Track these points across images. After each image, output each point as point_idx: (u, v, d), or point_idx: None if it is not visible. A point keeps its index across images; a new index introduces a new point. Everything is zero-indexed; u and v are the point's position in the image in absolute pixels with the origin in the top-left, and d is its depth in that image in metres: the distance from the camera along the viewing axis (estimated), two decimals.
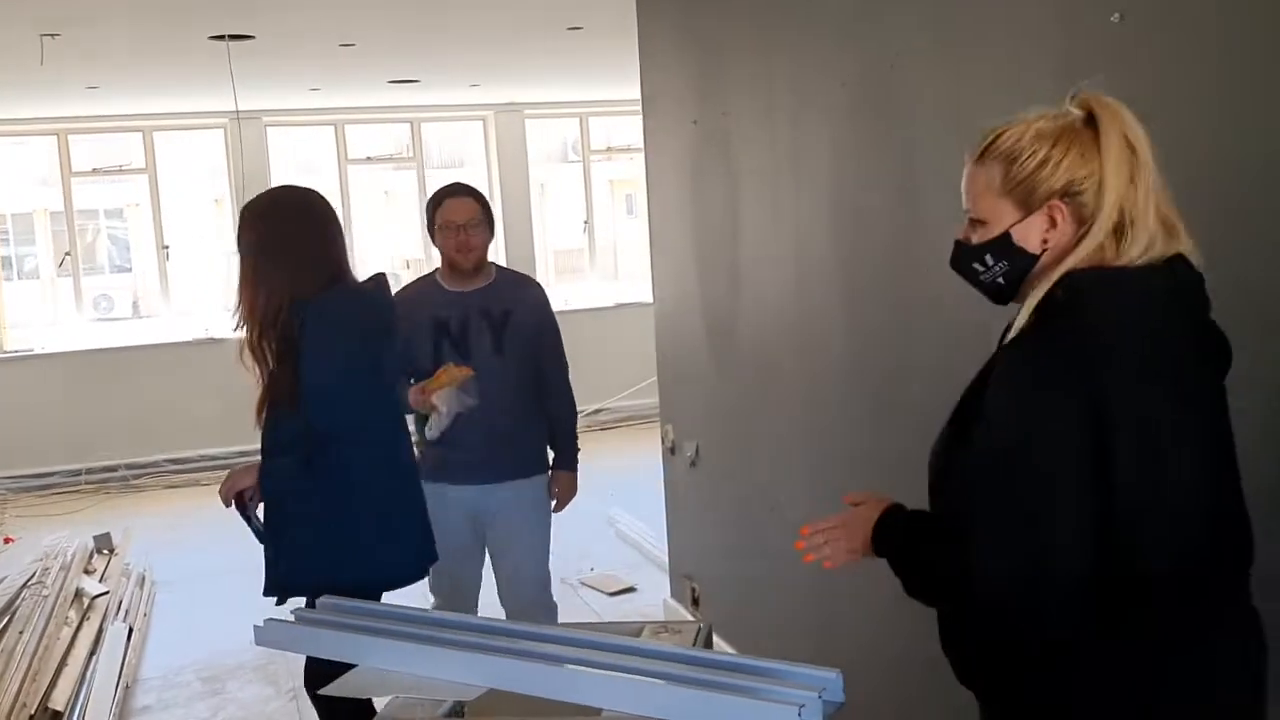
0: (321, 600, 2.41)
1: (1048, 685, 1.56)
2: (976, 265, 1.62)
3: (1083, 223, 1.53)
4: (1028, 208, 1.56)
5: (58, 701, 3.81)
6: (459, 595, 3.52)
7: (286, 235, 2.72)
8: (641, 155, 4.72)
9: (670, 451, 4.49)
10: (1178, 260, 1.55)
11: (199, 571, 5.85)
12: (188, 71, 5.92)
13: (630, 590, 5.14)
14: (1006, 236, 1.57)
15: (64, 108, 7.39)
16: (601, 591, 5.23)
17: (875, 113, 2.95)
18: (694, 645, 2.13)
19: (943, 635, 1.72)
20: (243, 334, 2.77)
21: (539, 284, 3.69)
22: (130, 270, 8.42)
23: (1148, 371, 1.49)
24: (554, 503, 3.58)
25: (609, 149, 9.67)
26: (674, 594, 4.68)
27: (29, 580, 5.00)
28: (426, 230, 3.55)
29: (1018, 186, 1.56)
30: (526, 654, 2.02)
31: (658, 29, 4.34)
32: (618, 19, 4.63)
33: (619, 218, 10.91)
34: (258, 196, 2.87)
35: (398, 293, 3.19)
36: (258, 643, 2.29)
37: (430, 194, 3.56)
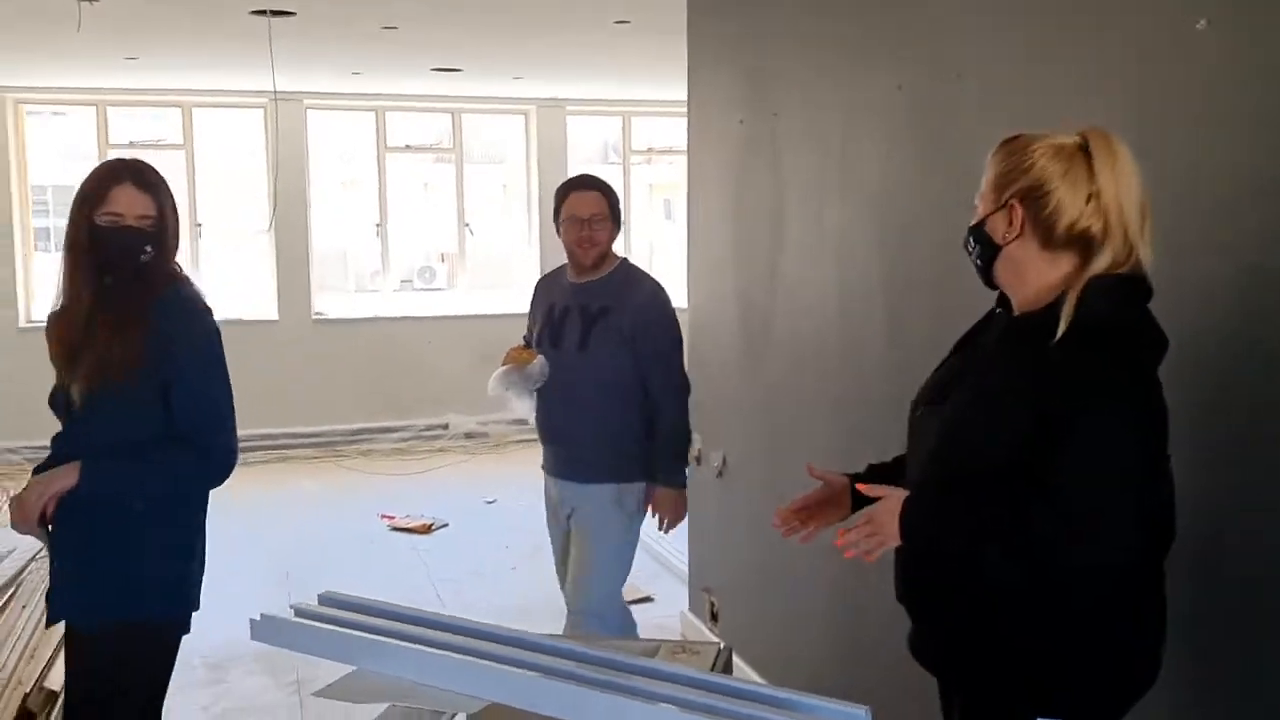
0: (324, 594, 2.30)
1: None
2: (967, 246, 1.86)
3: (1047, 234, 1.74)
4: (998, 200, 1.78)
5: (55, 681, 3.71)
6: (560, 574, 3.61)
7: None
8: (683, 158, 4.61)
9: (696, 460, 4.35)
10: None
11: (212, 557, 5.74)
12: (227, 47, 5.85)
13: (647, 600, 5.01)
14: (981, 223, 1.81)
15: (104, 79, 7.35)
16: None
17: (933, 120, 2.81)
18: (713, 668, 2.00)
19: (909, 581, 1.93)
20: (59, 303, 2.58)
21: (657, 288, 3.48)
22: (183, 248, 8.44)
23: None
24: (655, 519, 3.45)
25: (650, 150, 9.54)
26: (692, 607, 4.55)
27: (37, 554, 4.92)
28: (552, 219, 3.49)
29: (999, 179, 1.78)
30: (535, 668, 1.90)
31: (708, 24, 4.22)
32: (667, 14, 4.52)
33: (657, 222, 10.80)
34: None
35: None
36: (253, 638, 2.17)
37: (558, 185, 3.54)
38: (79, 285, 2.51)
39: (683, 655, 2.06)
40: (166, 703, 4.06)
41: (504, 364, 3.42)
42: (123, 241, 2.48)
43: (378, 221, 8.60)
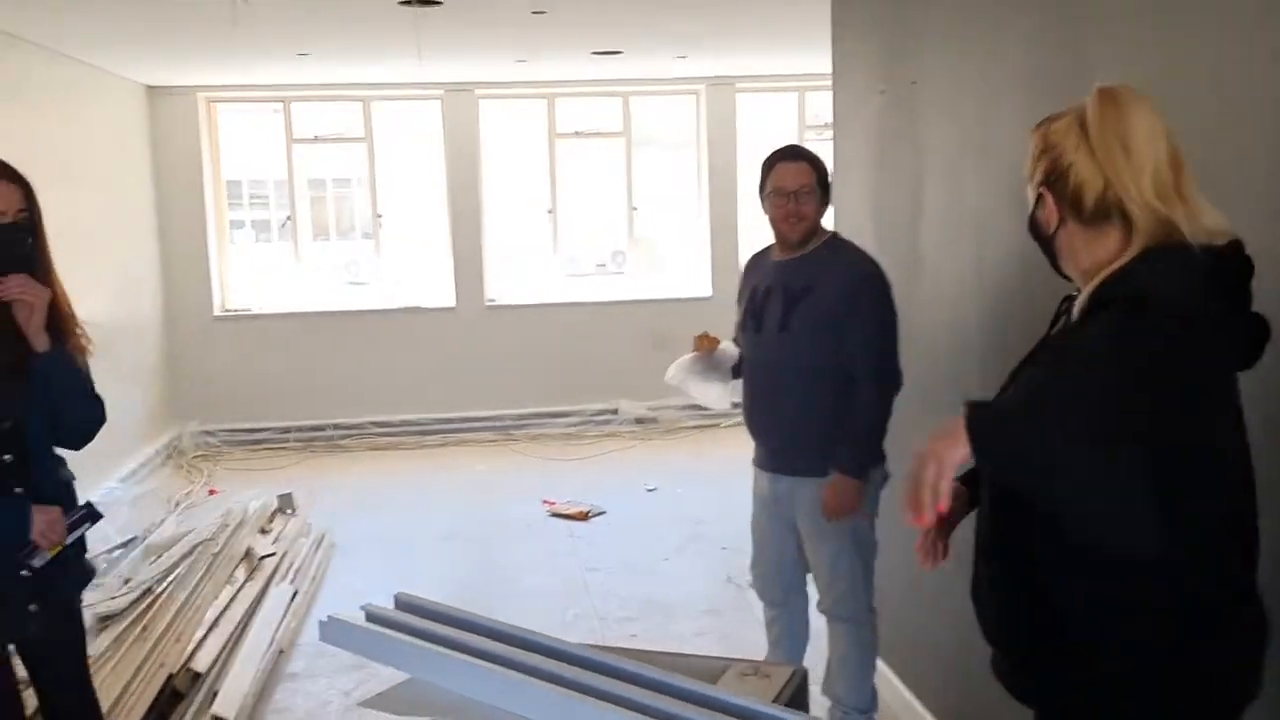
0: (399, 596, 2.24)
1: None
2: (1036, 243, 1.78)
3: (1079, 211, 1.63)
4: (1033, 194, 1.72)
5: (201, 662, 3.84)
6: (759, 574, 3.45)
7: None
8: None
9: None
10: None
11: (381, 536, 5.94)
12: (384, 39, 5.94)
13: None
14: (1032, 218, 1.75)
15: (286, 75, 7.64)
16: None
17: (1071, 86, 2.50)
18: (779, 695, 1.82)
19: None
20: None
21: (866, 265, 3.16)
22: (367, 238, 8.74)
23: None
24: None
25: (826, 125, 9.21)
26: None
27: (206, 538, 5.14)
28: (759, 195, 3.24)
29: (1029, 172, 1.72)
30: (588, 690, 1.77)
31: None
32: None
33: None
34: None
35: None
36: (321, 639, 2.15)
37: (763, 159, 3.25)
38: None
39: (752, 678, 1.89)
40: (310, 687, 4.20)
41: (693, 350, 3.34)
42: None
43: (549, 208, 8.64)
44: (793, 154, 3.20)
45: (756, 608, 4.74)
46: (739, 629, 4.46)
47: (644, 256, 8.84)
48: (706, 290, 8.57)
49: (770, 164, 3.19)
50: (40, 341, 2.48)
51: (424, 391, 8.34)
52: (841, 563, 3.18)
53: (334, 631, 2.12)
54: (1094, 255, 1.64)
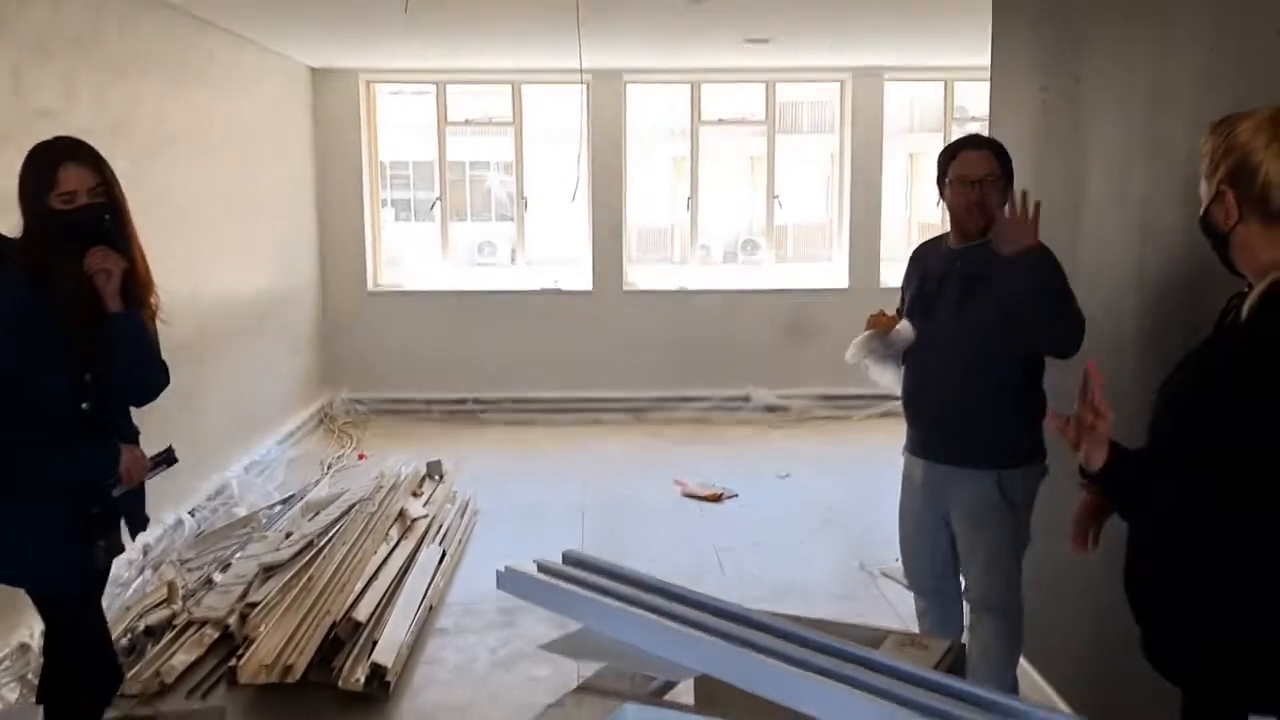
0: (567, 553, 2.38)
1: None
2: (1207, 240, 1.82)
3: (1265, 210, 1.68)
4: (1212, 190, 1.75)
5: (361, 613, 4.08)
6: (910, 563, 3.43)
7: None
8: None
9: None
10: None
11: (519, 506, 6.16)
12: (543, 26, 6.12)
13: None
14: (1206, 214, 1.78)
15: (442, 60, 7.92)
16: (901, 583, 4.94)
17: (1249, 85, 2.50)
18: (938, 665, 1.90)
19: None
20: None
21: (1047, 254, 2.97)
22: (511, 220, 9.02)
23: None
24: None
25: (972, 118, 9.12)
26: None
27: (363, 498, 5.42)
28: (936, 184, 3.22)
29: (1209, 167, 1.75)
30: (750, 644, 1.89)
31: None
32: None
33: None
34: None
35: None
36: (498, 588, 2.30)
37: (944, 145, 3.26)
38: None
39: (910, 649, 1.98)
40: (459, 642, 4.41)
41: (866, 329, 3.27)
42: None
43: (689, 195, 8.76)
44: (978, 142, 3.18)
45: (890, 595, 4.82)
46: (872, 615, 4.51)
47: (782, 246, 8.88)
48: (843, 282, 8.59)
49: (953, 152, 3.16)
50: (114, 304, 2.76)
51: (560, 371, 8.57)
52: (999, 556, 3.18)
53: (511, 581, 2.27)
54: (1272, 254, 1.68)
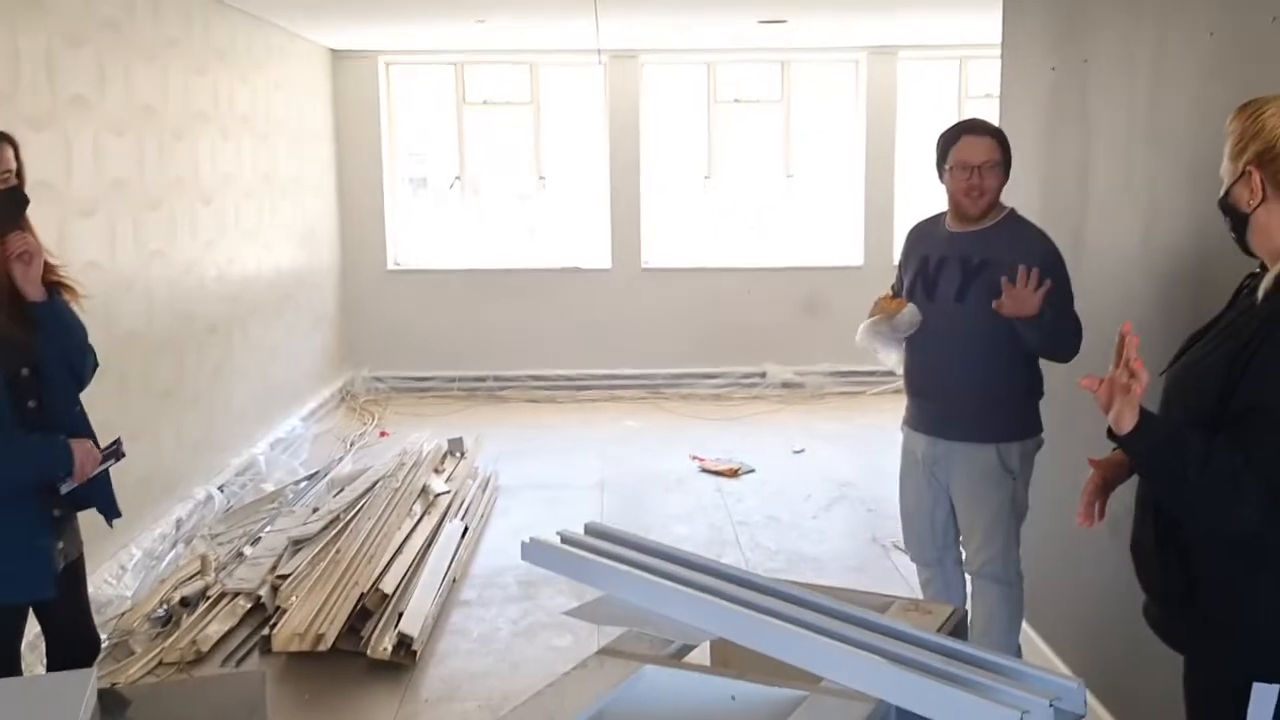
0: (589, 524, 2.49)
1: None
2: (1224, 220, 1.87)
3: None
4: (1237, 169, 1.79)
5: (388, 585, 4.22)
6: (912, 535, 3.51)
7: None
8: None
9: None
10: None
11: (539, 482, 6.29)
12: (563, 7, 6.19)
13: None
14: (1226, 195, 1.82)
15: (460, 41, 8.00)
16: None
17: (1247, 70, 2.57)
18: (940, 629, 2.00)
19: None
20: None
21: (1045, 240, 3.20)
22: (531, 199, 9.08)
23: None
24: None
25: (988, 96, 9.12)
26: None
27: (386, 474, 5.55)
28: (935, 167, 3.29)
29: (1234, 148, 1.79)
30: (763, 610, 1.99)
31: None
32: None
33: None
34: None
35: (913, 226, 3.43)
36: (523, 558, 2.40)
37: (944, 130, 3.28)
38: None
39: (914, 613, 2.08)
40: (481, 613, 4.54)
41: (871, 314, 3.33)
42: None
43: (705, 174, 8.82)
44: (977, 128, 3.23)
45: (902, 567, 4.92)
46: (885, 587, 4.61)
47: (797, 224, 8.95)
48: (859, 259, 8.65)
49: (954, 137, 3.21)
50: (36, 292, 2.63)
51: (579, 348, 8.68)
52: (998, 526, 3.28)
53: (536, 552, 2.38)
54: None
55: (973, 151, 3.17)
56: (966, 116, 3.37)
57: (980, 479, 3.27)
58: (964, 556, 3.43)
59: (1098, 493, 2.14)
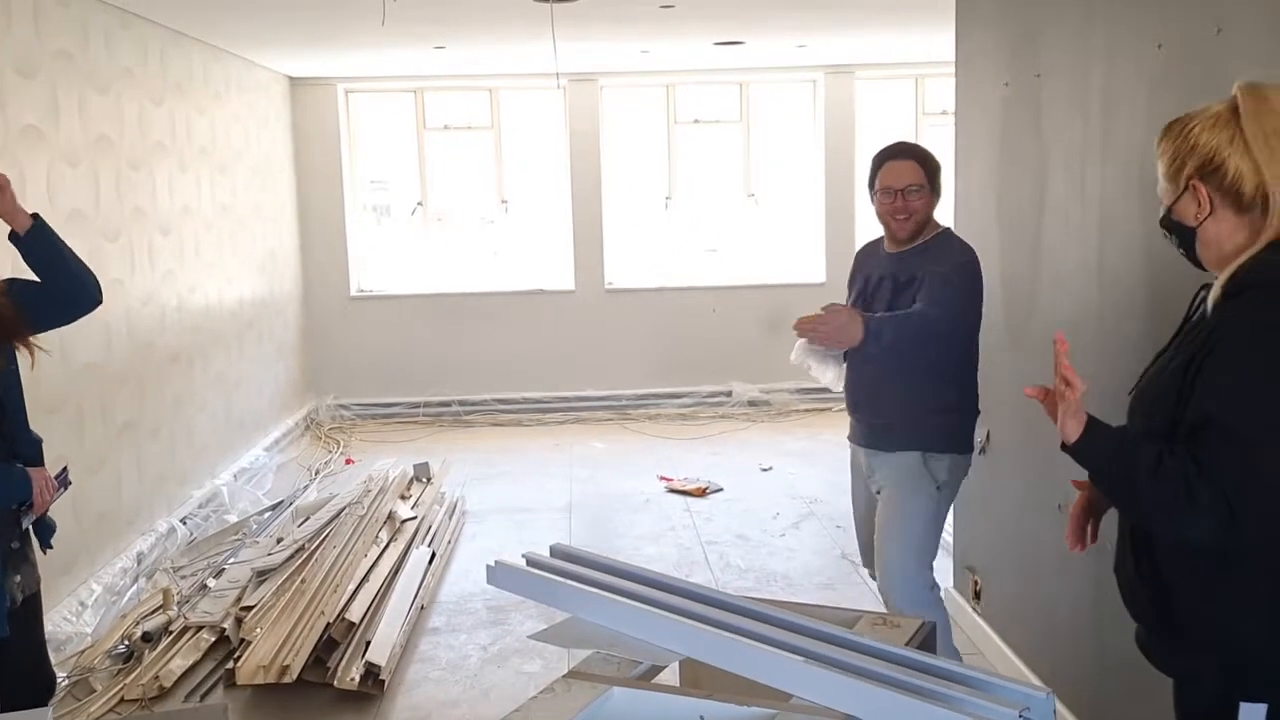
0: (555, 546, 2.47)
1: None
2: (1165, 237, 1.89)
3: (1238, 200, 1.74)
4: (1178, 186, 1.80)
5: (354, 613, 4.17)
6: (862, 546, 3.62)
7: None
8: None
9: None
10: None
11: (507, 506, 6.25)
12: (521, 33, 6.20)
13: None
14: (1169, 213, 1.84)
15: (419, 67, 7.99)
16: None
17: (1194, 82, 2.61)
18: (909, 643, 2.00)
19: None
20: None
21: (966, 254, 3.27)
22: (493, 223, 9.07)
23: None
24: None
25: (944, 113, 9.23)
26: (956, 585, 4.47)
27: (351, 502, 5.50)
28: (867, 188, 3.36)
29: (1170, 167, 1.81)
30: (730, 629, 1.98)
31: None
32: None
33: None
34: None
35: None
36: (489, 582, 2.38)
37: (874, 152, 3.34)
38: None
39: (882, 628, 2.08)
40: (450, 640, 4.49)
41: (798, 332, 3.31)
42: None
43: (667, 195, 8.85)
44: (901, 151, 3.29)
45: (871, 583, 4.92)
46: (855, 603, 4.61)
47: (758, 243, 8.99)
48: (820, 276, 8.70)
49: (880, 161, 3.28)
50: (21, 221, 2.69)
51: (544, 371, 8.66)
52: (900, 536, 3.27)
53: (502, 575, 2.37)
54: (1235, 241, 1.75)
55: (896, 175, 3.23)
56: (897, 140, 3.41)
57: (902, 486, 3.30)
58: (876, 564, 3.39)
59: (1085, 515, 2.11)
